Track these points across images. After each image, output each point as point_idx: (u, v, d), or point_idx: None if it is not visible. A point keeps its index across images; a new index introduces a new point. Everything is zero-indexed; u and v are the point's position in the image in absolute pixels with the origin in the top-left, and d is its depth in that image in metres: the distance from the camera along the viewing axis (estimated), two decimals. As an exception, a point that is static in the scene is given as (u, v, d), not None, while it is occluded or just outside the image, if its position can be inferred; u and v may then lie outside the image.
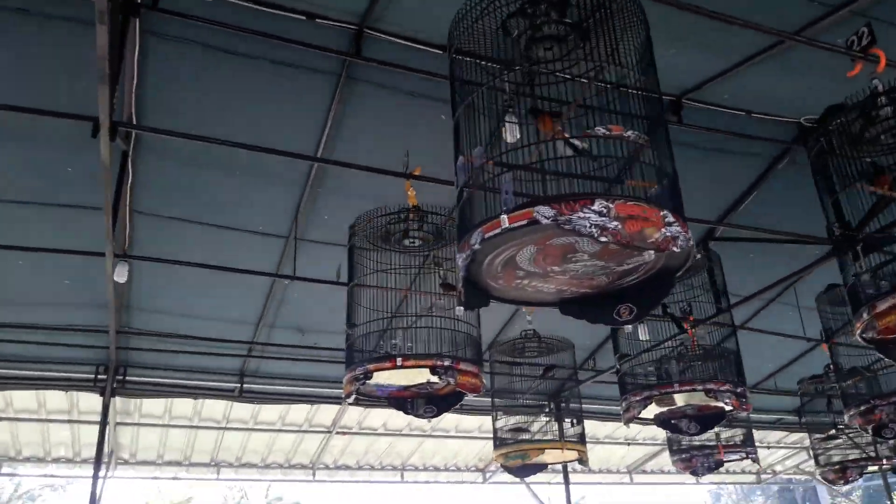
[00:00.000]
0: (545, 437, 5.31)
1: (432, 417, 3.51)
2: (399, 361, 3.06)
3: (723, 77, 4.18)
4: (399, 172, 4.05)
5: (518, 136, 4.15)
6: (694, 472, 5.99)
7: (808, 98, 4.50)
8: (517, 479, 10.96)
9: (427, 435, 9.48)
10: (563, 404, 5.90)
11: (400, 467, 10.21)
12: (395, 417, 8.96)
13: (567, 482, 8.32)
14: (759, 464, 6.57)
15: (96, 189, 4.72)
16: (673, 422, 4.14)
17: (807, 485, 19.53)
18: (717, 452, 5.63)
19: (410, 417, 8.94)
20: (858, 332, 2.82)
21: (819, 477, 6.84)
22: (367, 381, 3.08)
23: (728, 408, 3.91)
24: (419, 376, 3.24)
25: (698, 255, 5.05)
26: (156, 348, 6.41)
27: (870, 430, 4.38)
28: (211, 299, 6.04)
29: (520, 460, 5.30)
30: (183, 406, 7.85)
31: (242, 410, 8.10)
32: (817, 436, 6.57)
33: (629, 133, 1.87)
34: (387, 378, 3.18)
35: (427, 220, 3.58)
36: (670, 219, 1.81)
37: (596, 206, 1.72)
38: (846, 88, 4.07)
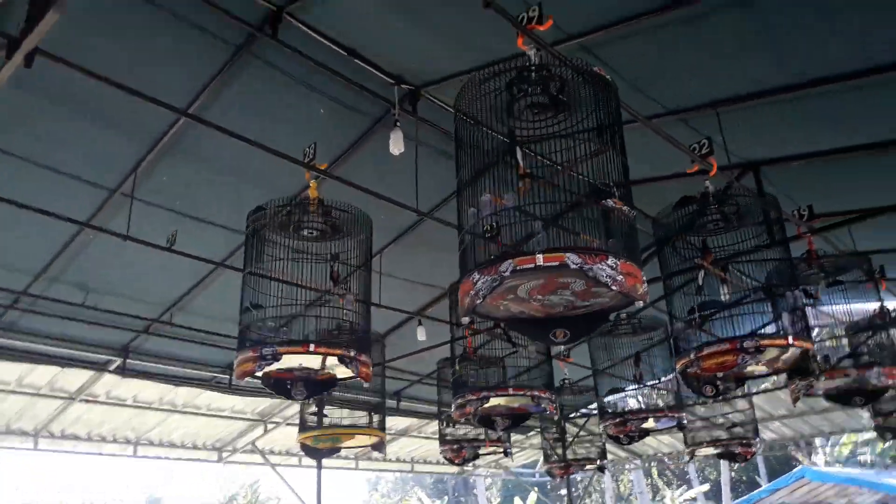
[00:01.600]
0: (357, 423, 5.65)
1: (304, 400, 3.69)
2: (311, 347, 3.23)
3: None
4: (277, 152, 4.06)
5: (402, 149, 4.51)
6: (458, 463, 6.81)
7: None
8: (251, 461, 11.08)
9: (176, 411, 9.14)
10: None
11: (134, 441, 9.66)
12: (146, 390, 8.47)
13: (319, 467, 8.70)
14: (512, 458, 7.66)
15: None
16: (493, 418, 4.81)
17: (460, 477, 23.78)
18: (483, 446, 6.49)
19: (162, 391, 8.62)
20: (680, 366, 3.71)
21: (545, 471, 8.22)
22: (275, 363, 3.20)
23: (535, 410, 4.70)
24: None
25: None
26: None
27: (622, 438, 5.56)
28: (-4, 242, 5.32)
29: (331, 443, 5.57)
30: None
31: (-29, 366, 7.07)
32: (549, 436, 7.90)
33: (625, 207, 2.42)
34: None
35: (329, 214, 3.76)
36: (644, 278, 2.40)
37: (609, 262, 2.24)
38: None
